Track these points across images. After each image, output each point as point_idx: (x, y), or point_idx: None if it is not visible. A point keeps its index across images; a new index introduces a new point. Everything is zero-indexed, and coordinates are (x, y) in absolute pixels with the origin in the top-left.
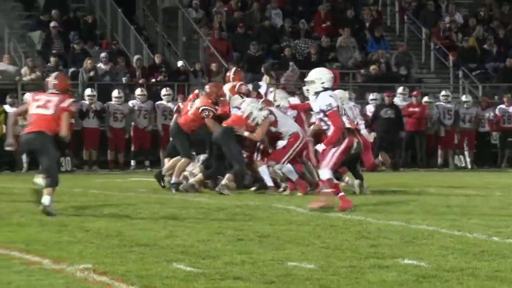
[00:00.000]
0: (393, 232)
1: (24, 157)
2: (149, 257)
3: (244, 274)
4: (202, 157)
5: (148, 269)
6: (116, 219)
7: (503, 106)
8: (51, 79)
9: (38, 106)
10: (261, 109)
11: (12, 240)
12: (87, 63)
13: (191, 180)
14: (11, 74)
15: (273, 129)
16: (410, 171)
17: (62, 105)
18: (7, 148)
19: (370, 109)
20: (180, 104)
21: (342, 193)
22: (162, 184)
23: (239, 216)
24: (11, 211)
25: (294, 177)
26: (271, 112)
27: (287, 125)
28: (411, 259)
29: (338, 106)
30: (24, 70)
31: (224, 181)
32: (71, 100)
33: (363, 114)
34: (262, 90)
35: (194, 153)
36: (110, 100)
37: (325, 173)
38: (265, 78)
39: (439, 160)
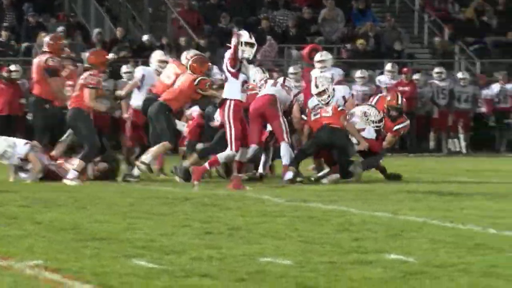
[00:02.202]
0: (378, 224)
1: None
2: (106, 253)
3: (212, 271)
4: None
5: (105, 265)
6: (71, 210)
7: (498, 84)
8: None
9: None
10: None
11: None
12: (41, 37)
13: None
14: None
15: None
16: (398, 156)
17: None
18: None
19: (356, 88)
20: None
21: None
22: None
23: (207, 207)
24: None
25: None
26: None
27: None
28: (398, 254)
29: None
30: None
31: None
32: None
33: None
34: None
35: None
36: None
37: None
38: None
39: (431, 144)
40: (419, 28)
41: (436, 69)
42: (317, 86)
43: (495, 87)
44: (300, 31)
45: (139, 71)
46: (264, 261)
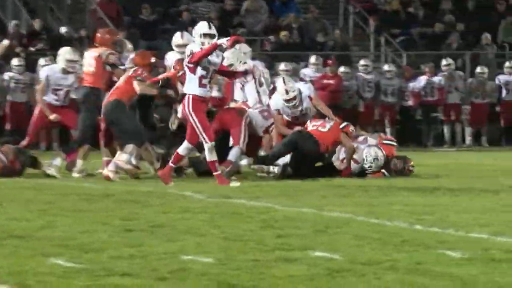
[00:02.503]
0: (303, 220)
1: None
2: (23, 251)
3: (133, 269)
4: None
5: (21, 264)
6: None
7: (425, 77)
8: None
9: None
10: None
11: None
12: None
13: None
14: None
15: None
16: None
17: None
18: None
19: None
20: None
21: None
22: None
23: (128, 203)
24: None
25: None
26: None
27: None
28: (323, 251)
29: None
30: None
31: None
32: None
33: None
34: None
35: None
36: None
37: None
38: None
39: None
40: (344, 20)
41: (362, 62)
42: (287, 92)
43: (422, 80)
44: (223, 23)
45: (43, 72)
46: (186, 259)
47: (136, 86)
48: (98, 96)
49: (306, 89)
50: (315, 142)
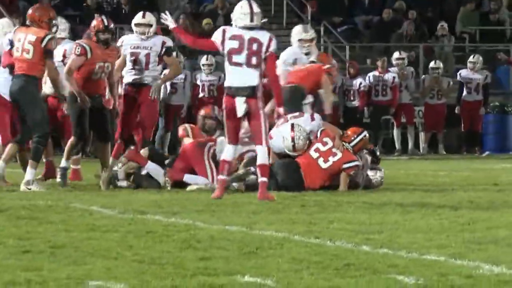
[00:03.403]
0: (230, 240)
1: None
2: None
3: None
4: None
5: None
6: None
7: (375, 73)
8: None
9: None
10: None
11: None
12: None
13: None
14: None
15: None
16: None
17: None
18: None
19: (202, 77)
20: None
21: None
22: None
23: (25, 220)
24: None
25: None
26: None
27: None
28: (253, 276)
29: None
30: None
31: None
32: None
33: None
34: None
35: None
36: None
37: None
38: None
39: None
40: (277, 6)
41: None
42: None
43: (370, 77)
44: (134, 8)
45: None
46: (93, 285)
47: None
48: (37, 86)
49: (315, 127)
50: (299, 180)
